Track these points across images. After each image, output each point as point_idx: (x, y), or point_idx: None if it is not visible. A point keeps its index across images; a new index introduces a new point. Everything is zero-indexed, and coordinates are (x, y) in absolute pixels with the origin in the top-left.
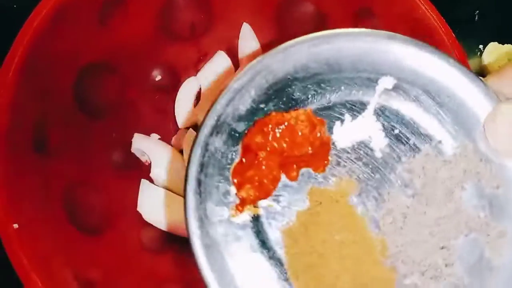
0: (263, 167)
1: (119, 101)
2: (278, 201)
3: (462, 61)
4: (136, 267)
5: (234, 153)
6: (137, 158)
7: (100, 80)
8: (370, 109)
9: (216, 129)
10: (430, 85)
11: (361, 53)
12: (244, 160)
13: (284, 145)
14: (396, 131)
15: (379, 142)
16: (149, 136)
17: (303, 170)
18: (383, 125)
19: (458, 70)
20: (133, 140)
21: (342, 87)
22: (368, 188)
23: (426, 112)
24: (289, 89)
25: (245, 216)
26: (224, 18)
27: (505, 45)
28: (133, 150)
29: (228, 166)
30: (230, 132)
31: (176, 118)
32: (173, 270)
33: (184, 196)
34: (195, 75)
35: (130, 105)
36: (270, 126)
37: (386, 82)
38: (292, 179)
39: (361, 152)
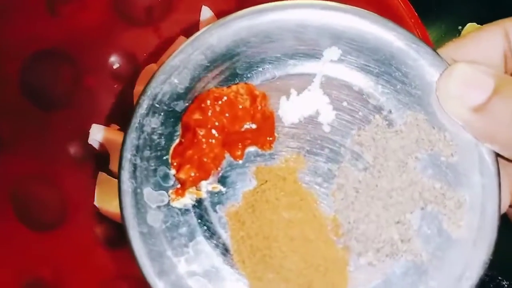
0: (204, 145)
1: (75, 90)
2: (222, 183)
3: (426, 42)
4: (90, 263)
5: (173, 134)
6: (96, 150)
7: (52, 69)
8: (316, 82)
9: (152, 109)
10: (376, 54)
11: (302, 24)
12: (183, 140)
13: (225, 120)
14: (344, 103)
15: (327, 116)
16: (109, 126)
17: (249, 149)
18: (331, 98)
19: (404, 37)
20: (90, 131)
21: (286, 61)
22: (317, 164)
23: (374, 82)
24: (230, 65)
25: (187, 200)
26: (182, 1)
27: (484, 25)
28: (90, 141)
29: (166, 148)
30: (168, 111)
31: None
32: (129, 265)
33: (118, 182)
34: (156, 62)
35: (87, 94)
36: (208, 101)
37: (331, 53)
38: (237, 158)
39: (309, 127)
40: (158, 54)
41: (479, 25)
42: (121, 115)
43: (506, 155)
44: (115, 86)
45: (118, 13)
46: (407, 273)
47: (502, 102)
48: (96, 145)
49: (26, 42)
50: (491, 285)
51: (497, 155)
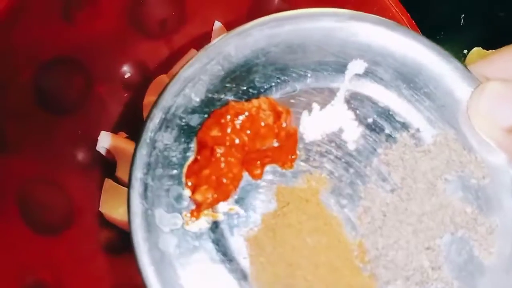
0: (222, 164)
1: (86, 97)
2: (240, 204)
3: None
4: (93, 269)
5: (187, 151)
6: (103, 157)
7: (65, 76)
8: (340, 97)
9: (165, 124)
10: (404, 68)
11: (326, 34)
12: (199, 157)
13: (245, 138)
14: (370, 120)
15: (352, 133)
16: (117, 134)
17: (268, 167)
18: (355, 114)
19: (433, 51)
20: (99, 138)
21: (308, 73)
22: (342, 185)
23: (401, 97)
24: (248, 76)
25: (202, 223)
26: (196, 15)
27: (490, 50)
28: (98, 148)
29: (180, 166)
30: (182, 126)
31: (145, 117)
32: (132, 272)
33: (128, 203)
34: (167, 73)
35: (97, 102)
36: (228, 117)
37: (356, 66)
38: (256, 177)
39: (332, 144)
40: (169, 65)
41: (484, 50)
42: (129, 124)
43: None
44: (125, 95)
45: (132, 23)
46: None
47: None
48: (103, 152)
49: (40, 48)
50: None
51: None
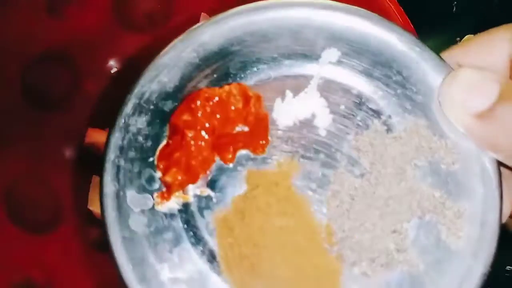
0: (192, 148)
1: (73, 93)
2: (211, 187)
3: None
4: (83, 266)
5: (160, 135)
6: (91, 153)
7: (51, 71)
8: (313, 84)
9: (138, 109)
10: (377, 56)
11: (301, 23)
12: (170, 141)
13: (215, 122)
14: (342, 107)
15: (324, 119)
16: (105, 130)
17: (241, 152)
18: (328, 101)
19: (406, 39)
20: (86, 134)
21: (282, 61)
22: (312, 169)
23: (374, 85)
24: (223, 64)
25: (173, 205)
26: (183, 8)
27: (489, 30)
28: (86, 144)
29: (152, 150)
30: (155, 111)
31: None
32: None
33: (100, 184)
34: None
35: (84, 97)
36: (199, 102)
37: (330, 54)
38: (228, 161)
39: (304, 130)
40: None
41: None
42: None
43: (510, 164)
44: (113, 90)
45: (118, 18)
46: (402, 285)
47: (507, 109)
48: (91, 148)
49: (26, 43)
50: None
51: (500, 164)
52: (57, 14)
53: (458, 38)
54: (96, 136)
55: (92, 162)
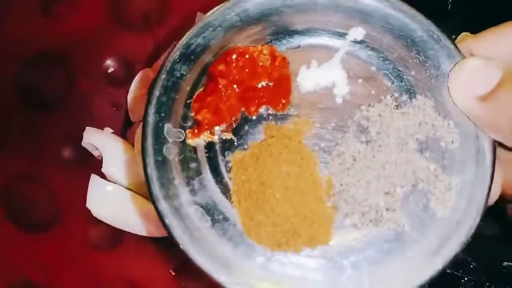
0: (222, 94)
1: (69, 93)
2: (234, 133)
3: None
4: (82, 265)
5: (198, 82)
6: (89, 153)
7: (47, 72)
8: (337, 57)
9: (184, 57)
10: (399, 39)
11: (334, 2)
12: (206, 88)
13: (244, 75)
14: (360, 80)
15: (342, 89)
16: (102, 130)
17: (264, 108)
18: (348, 74)
19: (427, 27)
20: (84, 134)
21: (313, 33)
22: (324, 131)
23: (392, 65)
24: (261, 29)
25: (200, 141)
26: (178, 7)
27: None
28: (83, 144)
29: (190, 93)
30: (197, 61)
31: (129, 111)
32: (121, 268)
33: (145, 115)
34: (151, 67)
35: (81, 97)
36: (233, 56)
37: (356, 33)
38: (251, 113)
39: (323, 96)
40: (153, 58)
41: (472, 35)
42: (114, 119)
43: (509, 144)
44: (109, 90)
45: (113, 17)
46: (387, 240)
47: (506, 92)
48: (89, 148)
49: (21, 44)
50: None
51: (500, 145)
52: (52, 15)
53: (454, 36)
54: (93, 135)
55: (90, 161)
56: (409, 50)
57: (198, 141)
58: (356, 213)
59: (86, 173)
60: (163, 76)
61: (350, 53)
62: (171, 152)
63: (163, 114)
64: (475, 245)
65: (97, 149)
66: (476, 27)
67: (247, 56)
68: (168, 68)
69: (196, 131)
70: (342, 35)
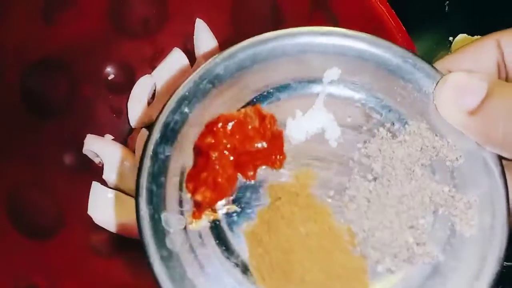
0: (217, 167)
1: (71, 100)
2: (237, 203)
3: (408, 46)
4: (85, 272)
5: (186, 159)
6: (90, 160)
7: (49, 78)
8: (319, 101)
9: (165, 138)
10: (375, 71)
11: (303, 49)
12: (197, 164)
13: (236, 142)
14: (349, 119)
15: (333, 132)
16: (103, 136)
17: (261, 168)
18: (335, 115)
19: (400, 54)
20: (85, 141)
21: (289, 84)
22: (328, 178)
23: (374, 97)
24: (237, 91)
25: (204, 223)
26: (178, 13)
27: (475, 36)
28: (84, 151)
29: (181, 173)
30: (180, 138)
31: (129, 118)
32: (124, 275)
33: (136, 209)
34: (151, 73)
35: (82, 104)
36: (219, 124)
37: (332, 73)
38: (250, 178)
39: (316, 143)
40: (153, 65)
41: (469, 36)
42: (115, 126)
43: (506, 155)
44: (110, 96)
45: (114, 24)
46: (426, 276)
47: (495, 103)
48: (90, 155)
49: (23, 51)
50: None
51: (500, 156)
52: (53, 21)
53: (451, 38)
54: (94, 143)
55: (91, 168)
56: (388, 80)
57: (202, 223)
58: (387, 256)
59: (88, 179)
60: (148, 163)
61: (331, 95)
62: (176, 243)
63: (156, 204)
64: None
65: (98, 156)
66: (473, 28)
67: (233, 122)
68: (150, 153)
69: (196, 213)
70: (318, 79)
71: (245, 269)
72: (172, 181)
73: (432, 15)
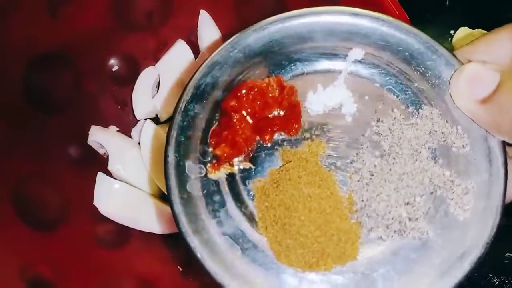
0: (237, 127)
1: (75, 93)
2: (252, 162)
3: None
4: (91, 262)
5: (212, 118)
6: (95, 151)
7: (53, 72)
8: (341, 79)
9: (196, 97)
10: (397, 54)
11: (331, 28)
12: (221, 123)
13: (256, 107)
14: (366, 98)
15: (349, 108)
16: (108, 128)
17: (277, 135)
18: (353, 93)
19: (423, 40)
20: (89, 132)
21: (314, 59)
22: (338, 150)
23: (394, 80)
24: (264, 61)
25: (221, 174)
26: (182, 5)
27: (476, 30)
28: (89, 142)
29: (206, 129)
30: (209, 99)
31: (134, 109)
32: (129, 265)
33: (165, 156)
34: (154, 65)
35: (87, 96)
36: (243, 91)
37: (356, 53)
38: (266, 141)
39: (332, 117)
40: (156, 57)
41: (470, 29)
42: (120, 117)
43: None
44: (114, 88)
45: (117, 17)
46: (413, 249)
47: (506, 93)
48: (95, 146)
49: (27, 45)
50: (482, 282)
51: (507, 145)
52: (58, 16)
53: (452, 31)
54: (98, 134)
55: (96, 160)
56: (408, 64)
57: (219, 174)
58: (380, 226)
59: (93, 171)
60: (179, 117)
61: (352, 73)
62: (195, 188)
63: (182, 153)
64: (495, 260)
65: (102, 147)
66: (474, 22)
67: (256, 89)
68: (182, 109)
69: (216, 165)
70: (342, 57)
71: (251, 218)
72: (198, 135)
73: (433, 8)
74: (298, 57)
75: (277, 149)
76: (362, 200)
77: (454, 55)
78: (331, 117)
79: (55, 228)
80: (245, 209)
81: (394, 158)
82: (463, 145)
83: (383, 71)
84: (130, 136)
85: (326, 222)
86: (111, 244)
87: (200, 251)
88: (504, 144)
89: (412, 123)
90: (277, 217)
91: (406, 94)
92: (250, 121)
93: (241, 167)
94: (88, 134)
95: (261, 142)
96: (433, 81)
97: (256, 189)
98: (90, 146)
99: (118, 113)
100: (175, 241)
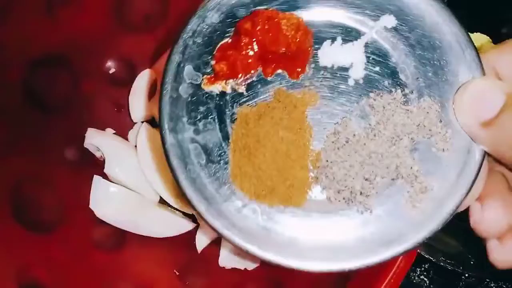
0: (242, 51)
1: (73, 95)
2: (247, 88)
3: None
4: (87, 266)
5: (225, 33)
6: (92, 154)
7: (51, 73)
8: (362, 40)
9: (218, 7)
10: (427, 38)
11: None
12: (230, 41)
13: (266, 39)
14: (377, 68)
15: (357, 73)
16: (104, 131)
17: (280, 71)
18: (368, 59)
19: (457, 33)
20: (86, 135)
21: (346, 12)
22: (328, 108)
23: (412, 61)
24: None
25: (214, 88)
26: (179, 8)
27: (474, 33)
28: (86, 145)
29: (215, 42)
30: (228, 13)
31: (130, 112)
32: (125, 268)
33: (170, 52)
34: (152, 67)
35: (84, 99)
36: (261, 18)
37: (388, 20)
38: (267, 75)
39: (337, 75)
40: (154, 59)
41: (469, 33)
42: (116, 120)
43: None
44: (111, 90)
45: (116, 19)
46: (352, 219)
47: (508, 118)
48: (92, 149)
49: (27, 46)
50: None
51: (493, 159)
52: (56, 17)
53: None
54: (95, 136)
55: (92, 162)
56: (433, 51)
57: (212, 88)
58: (332, 188)
59: (89, 174)
60: (194, 21)
61: (375, 40)
62: (186, 92)
63: (186, 56)
64: (475, 242)
65: (99, 150)
66: (473, 23)
67: (274, 21)
68: (200, 13)
69: (212, 78)
70: (373, 19)
71: (225, 137)
72: (207, 44)
73: None
74: (330, 3)
75: (273, 86)
76: (327, 161)
77: (480, 60)
78: (336, 74)
79: (51, 230)
80: (223, 128)
81: (374, 135)
82: (443, 149)
83: (405, 48)
84: (126, 139)
85: (287, 167)
86: (108, 247)
87: (170, 147)
88: (482, 163)
89: (407, 110)
90: (247, 145)
91: (416, 80)
92: (256, 49)
93: (235, 89)
94: (84, 136)
95: (262, 74)
96: (448, 77)
97: (240, 114)
98: (87, 148)
99: (115, 116)
100: (172, 245)
